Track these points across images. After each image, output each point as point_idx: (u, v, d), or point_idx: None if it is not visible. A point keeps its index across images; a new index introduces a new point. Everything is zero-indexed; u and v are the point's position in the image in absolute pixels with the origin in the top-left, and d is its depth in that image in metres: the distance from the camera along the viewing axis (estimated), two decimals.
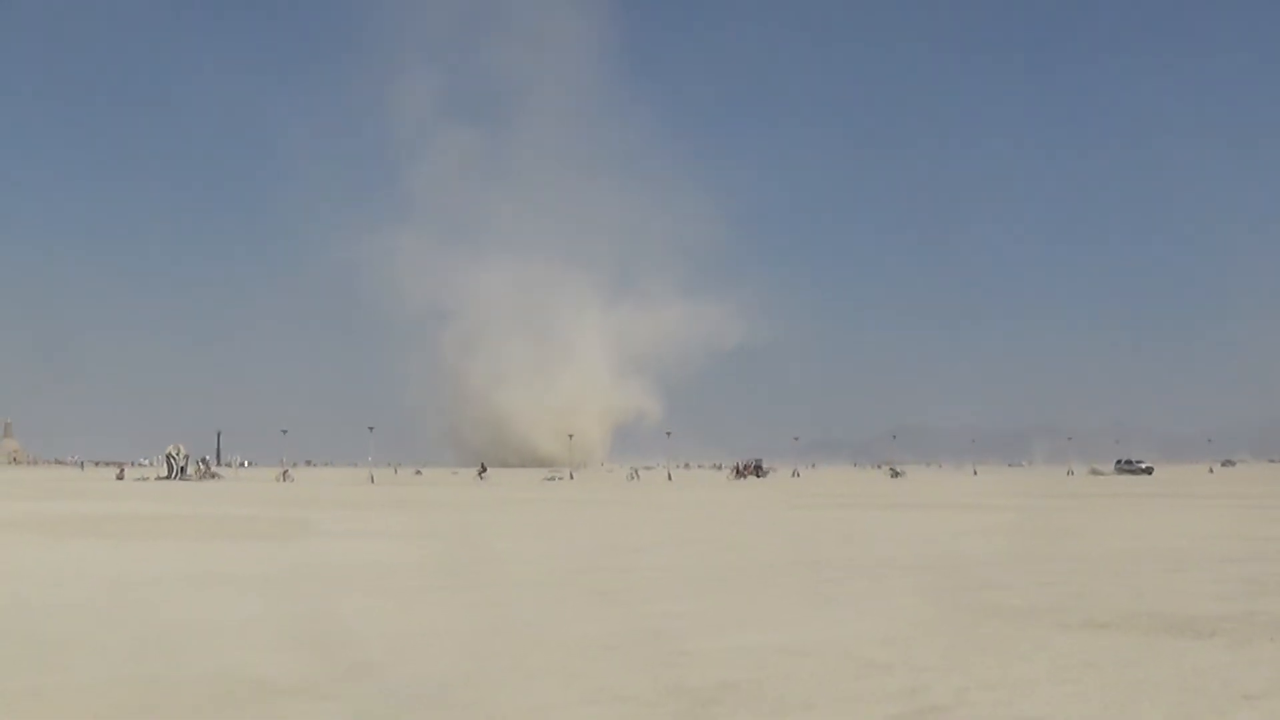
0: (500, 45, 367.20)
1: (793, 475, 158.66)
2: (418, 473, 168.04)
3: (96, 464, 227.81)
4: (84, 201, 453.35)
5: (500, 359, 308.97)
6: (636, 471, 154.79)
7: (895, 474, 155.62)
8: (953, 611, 19.84)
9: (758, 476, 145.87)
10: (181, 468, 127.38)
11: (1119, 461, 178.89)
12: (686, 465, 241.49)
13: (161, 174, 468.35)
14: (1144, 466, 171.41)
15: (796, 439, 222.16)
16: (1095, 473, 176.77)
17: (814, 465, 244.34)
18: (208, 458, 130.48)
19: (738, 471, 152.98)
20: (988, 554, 32.96)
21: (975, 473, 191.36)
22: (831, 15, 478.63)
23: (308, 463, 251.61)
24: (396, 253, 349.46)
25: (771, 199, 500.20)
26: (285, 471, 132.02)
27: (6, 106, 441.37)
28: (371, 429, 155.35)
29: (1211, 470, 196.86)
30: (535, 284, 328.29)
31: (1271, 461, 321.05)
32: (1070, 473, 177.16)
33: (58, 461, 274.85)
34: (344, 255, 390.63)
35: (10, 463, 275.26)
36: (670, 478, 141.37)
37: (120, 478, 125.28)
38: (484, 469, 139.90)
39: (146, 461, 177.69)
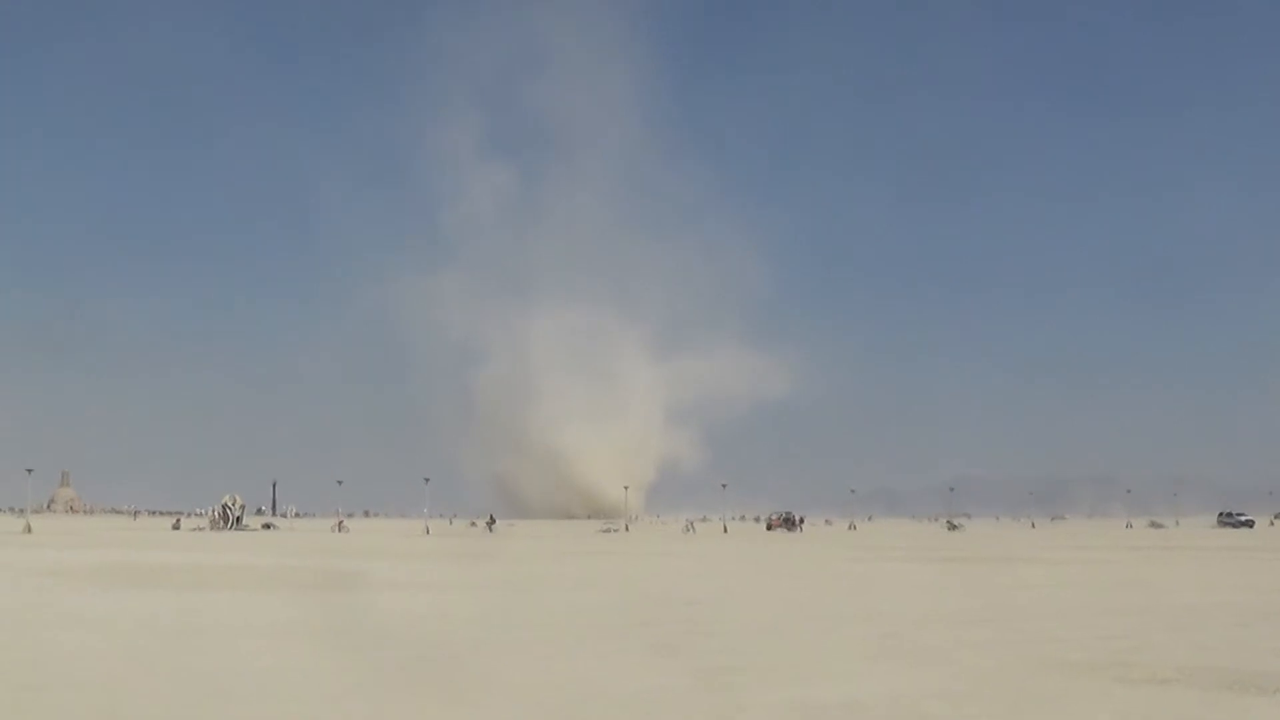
0: (543, 91, 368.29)
1: (849, 528, 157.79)
2: (473, 524, 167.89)
3: (151, 513, 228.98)
4: (136, 253, 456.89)
5: (546, 409, 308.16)
6: (692, 524, 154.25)
7: (953, 527, 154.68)
8: (1013, 665, 19.57)
9: (788, 530, 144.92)
10: (237, 518, 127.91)
11: (1221, 514, 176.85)
12: (743, 517, 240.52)
13: (208, 222, 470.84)
14: (1245, 519, 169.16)
15: (853, 491, 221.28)
16: (1155, 525, 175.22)
17: (870, 518, 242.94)
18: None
19: (770, 524, 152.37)
20: (1048, 607, 32.60)
21: (1033, 525, 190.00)
22: (883, 67, 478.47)
23: (365, 513, 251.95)
24: (441, 299, 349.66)
25: (822, 251, 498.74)
26: (340, 522, 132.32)
27: (62, 172, 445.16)
28: (427, 480, 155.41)
29: (1273, 523, 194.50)
30: (581, 333, 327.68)
31: None
32: (1129, 525, 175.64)
33: (114, 510, 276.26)
34: (391, 301, 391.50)
35: (67, 511, 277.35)
36: (726, 530, 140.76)
37: (176, 527, 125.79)
38: (493, 520, 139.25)
39: (202, 512, 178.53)
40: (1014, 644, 22.80)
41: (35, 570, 46.70)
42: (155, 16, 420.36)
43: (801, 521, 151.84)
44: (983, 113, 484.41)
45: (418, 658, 20.86)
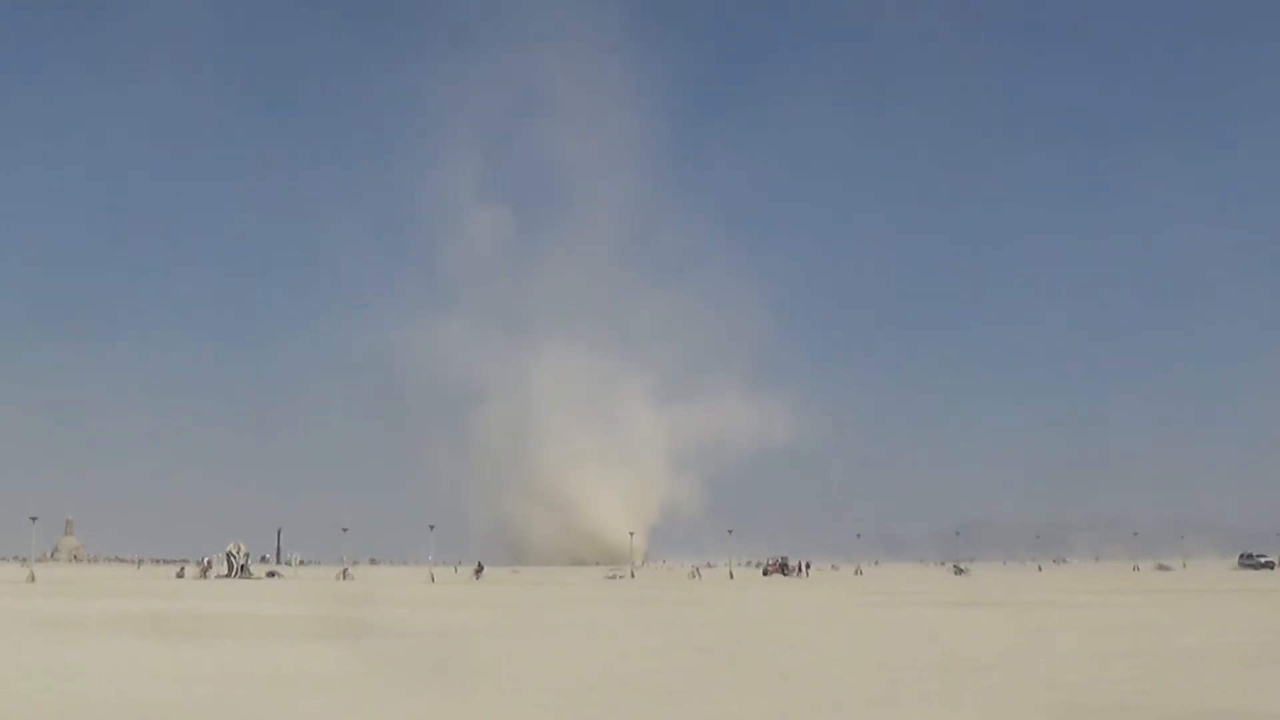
0: (543, 135, 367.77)
1: (856, 573, 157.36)
2: (478, 572, 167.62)
3: (155, 561, 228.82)
4: (134, 300, 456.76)
5: (549, 454, 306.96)
6: (698, 570, 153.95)
7: (959, 571, 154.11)
8: (1023, 710, 19.58)
9: (784, 574, 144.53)
10: (242, 565, 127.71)
11: (1242, 556, 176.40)
12: (748, 563, 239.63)
13: (207, 267, 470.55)
14: (1266, 561, 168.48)
15: (859, 536, 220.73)
16: (1163, 568, 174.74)
17: (876, 563, 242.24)
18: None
19: (765, 570, 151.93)
20: (1057, 650, 32.57)
21: (1040, 569, 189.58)
22: (884, 111, 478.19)
23: (371, 561, 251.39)
24: (442, 342, 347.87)
25: (824, 295, 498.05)
26: (345, 570, 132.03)
27: (66, 226, 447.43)
28: (432, 527, 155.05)
29: None
30: (583, 376, 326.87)
31: None
32: (1136, 568, 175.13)
33: (118, 559, 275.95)
34: (391, 345, 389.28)
35: (71, 560, 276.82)
36: (732, 575, 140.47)
37: (180, 575, 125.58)
38: (481, 568, 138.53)
39: (206, 559, 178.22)
40: (1023, 689, 22.80)
41: (40, 620, 46.65)
42: (152, 56, 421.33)
43: (808, 567, 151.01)
44: (985, 155, 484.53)
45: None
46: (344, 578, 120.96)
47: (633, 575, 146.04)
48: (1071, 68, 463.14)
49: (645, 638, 40.38)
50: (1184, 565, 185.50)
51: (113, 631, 40.42)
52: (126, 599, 67.25)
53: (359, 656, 31.57)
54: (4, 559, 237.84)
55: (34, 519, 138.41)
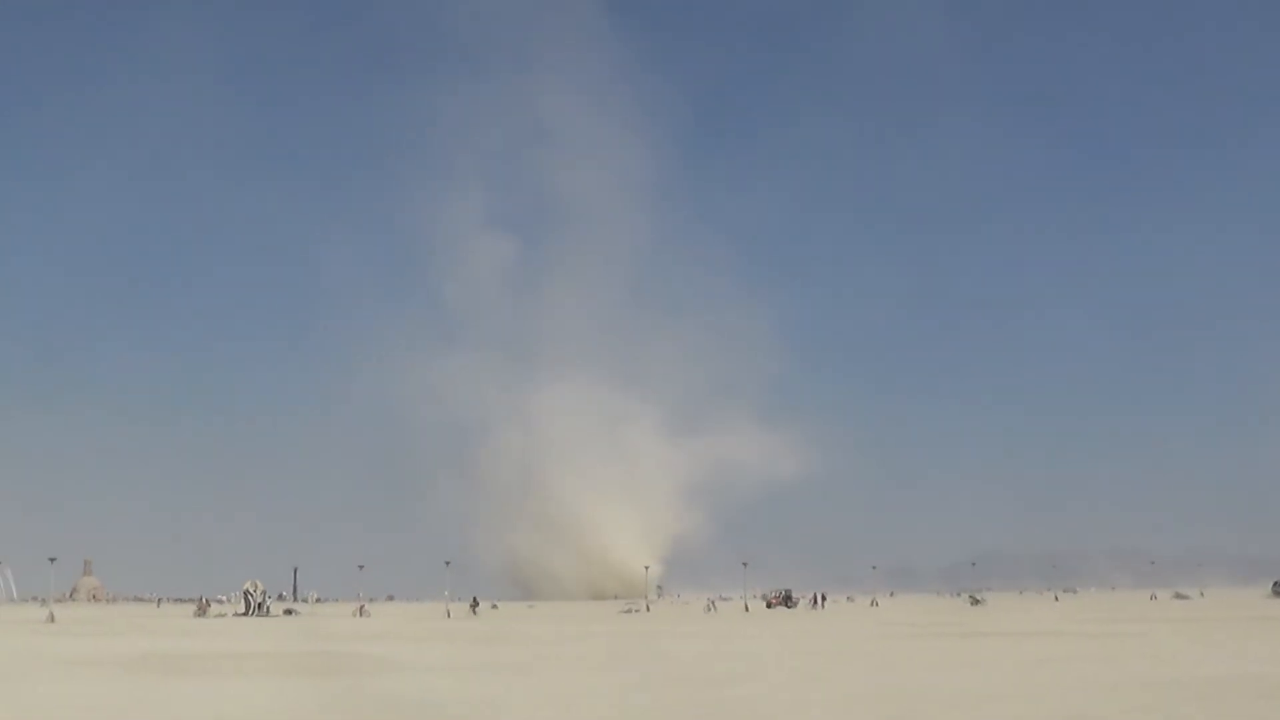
0: (550, 166, 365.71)
1: (871, 604, 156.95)
2: (494, 606, 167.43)
3: (174, 600, 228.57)
4: (139, 342, 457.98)
5: (559, 488, 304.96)
6: (713, 602, 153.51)
7: (975, 601, 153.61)
8: None
9: (787, 607, 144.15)
10: (259, 603, 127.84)
11: (1276, 584, 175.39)
12: (761, 596, 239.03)
13: (216, 305, 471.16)
14: None
15: (874, 567, 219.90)
16: (1180, 596, 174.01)
17: (892, 594, 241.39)
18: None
19: (769, 602, 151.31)
20: (1075, 680, 32.56)
21: (1056, 598, 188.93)
22: (893, 143, 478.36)
23: (389, 598, 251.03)
24: (449, 375, 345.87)
25: (834, 328, 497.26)
26: (362, 607, 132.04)
27: (77, 263, 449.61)
28: (448, 563, 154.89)
29: None
30: (591, 410, 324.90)
31: None
32: (1153, 597, 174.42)
33: (136, 598, 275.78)
34: (398, 380, 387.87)
35: (90, 600, 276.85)
36: (747, 609, 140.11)
37: (201, 614, 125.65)
38: (476, 603, 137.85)
39: (224, 598, 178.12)
40: (1041, 719, 22.82)
41: (60, 660, 46.75)
42: (154, 87, 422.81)
43: (824, 599, 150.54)
44: (1000, 187, 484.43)
45: None
46: (360, 614, 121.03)
47: (648, 609, 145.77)
48: (1087, 76, 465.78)
49: (659, 671, 40.42)
50: (1201, 594, 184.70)
51: (131, 670, 40.55)
52: (145, 638, 67.35)
53: (354, 695, 31.66)
54: (24, 600, 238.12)
55: (53, 560, 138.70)
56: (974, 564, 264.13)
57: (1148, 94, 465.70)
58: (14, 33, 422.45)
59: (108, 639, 67.09)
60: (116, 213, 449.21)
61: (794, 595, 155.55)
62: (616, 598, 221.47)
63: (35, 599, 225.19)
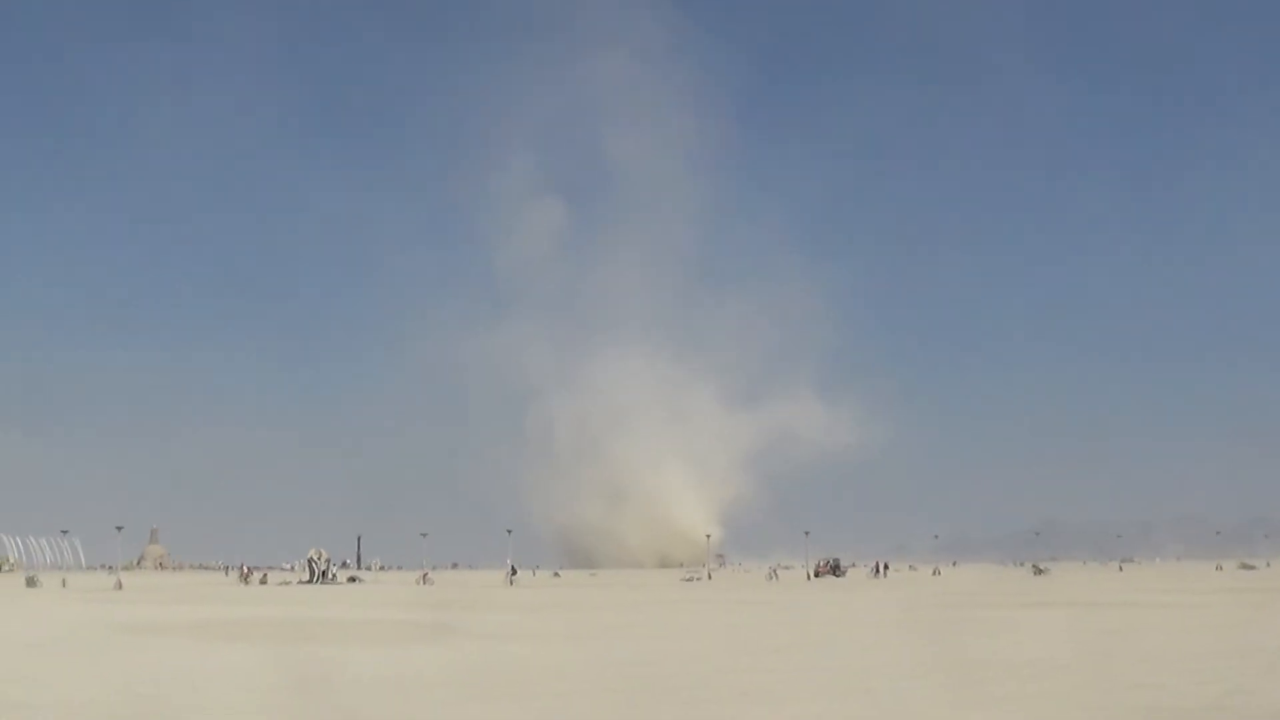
0: (607, 138, 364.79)
1: (934, 574, 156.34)
2: (556, 574, 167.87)
3: (240, 568, 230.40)
4: (203, 314, 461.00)
5: (617, 457, 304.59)
6: (775, 571, 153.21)
7: (1039, 571, 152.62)
8: (1105, 712, 19.53)
9: (835, 575, 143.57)
10: (323, 571, 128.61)
11: None
12: (826, 563, 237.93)
13: (272, 278, 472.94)
14: None
15: (936, 537, 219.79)
16: (1246, 567, 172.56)
17: (955, 563, 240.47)
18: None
19: (816, 571, 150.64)
20: (1140, 651, 32.36)
21: (1121, 568, 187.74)
22: (949, 114, 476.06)
23: (453, 566, 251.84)
24: (506, 344, 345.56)
25: (892, 297, 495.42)
26: (425, 574, 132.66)
27: (149, 231, 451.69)
28: (510, 531, 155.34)
29: None
30: (648, 379, 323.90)
31: None
32: (1219, 567, 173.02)
33: (202, 566, 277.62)
34: (456, 348, 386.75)
35: (157, 568, 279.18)
36: (809, 577, 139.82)
37: (263, 582, 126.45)
38: (514, 571, 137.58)
39: (289, 566, 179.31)
40: (1107, 690, 22.74)
41: (128, 627, 47.18)
42: (207, 55, 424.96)
43: (886, 568, 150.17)
44: (1056, 152, 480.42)
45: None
46: (424, 582, 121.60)
47: (709, 577, 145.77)
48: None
49: (723, 639, 40.46)
50: (1267, 565, 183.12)
51: (198, 637, 40.90)
52: (211, 605, 67.91)
53: (437, 660, 31.81)
54: (92, 568, 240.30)
55: (120, 528, 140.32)
56: (1037, 534, 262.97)
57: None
58: None
59: (175, 606, 67.66)
60: (177, 178, 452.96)
61: (842, 564, 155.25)
62: (683, 565, 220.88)
63: (103, 567, 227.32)
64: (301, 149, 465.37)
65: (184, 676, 27.46)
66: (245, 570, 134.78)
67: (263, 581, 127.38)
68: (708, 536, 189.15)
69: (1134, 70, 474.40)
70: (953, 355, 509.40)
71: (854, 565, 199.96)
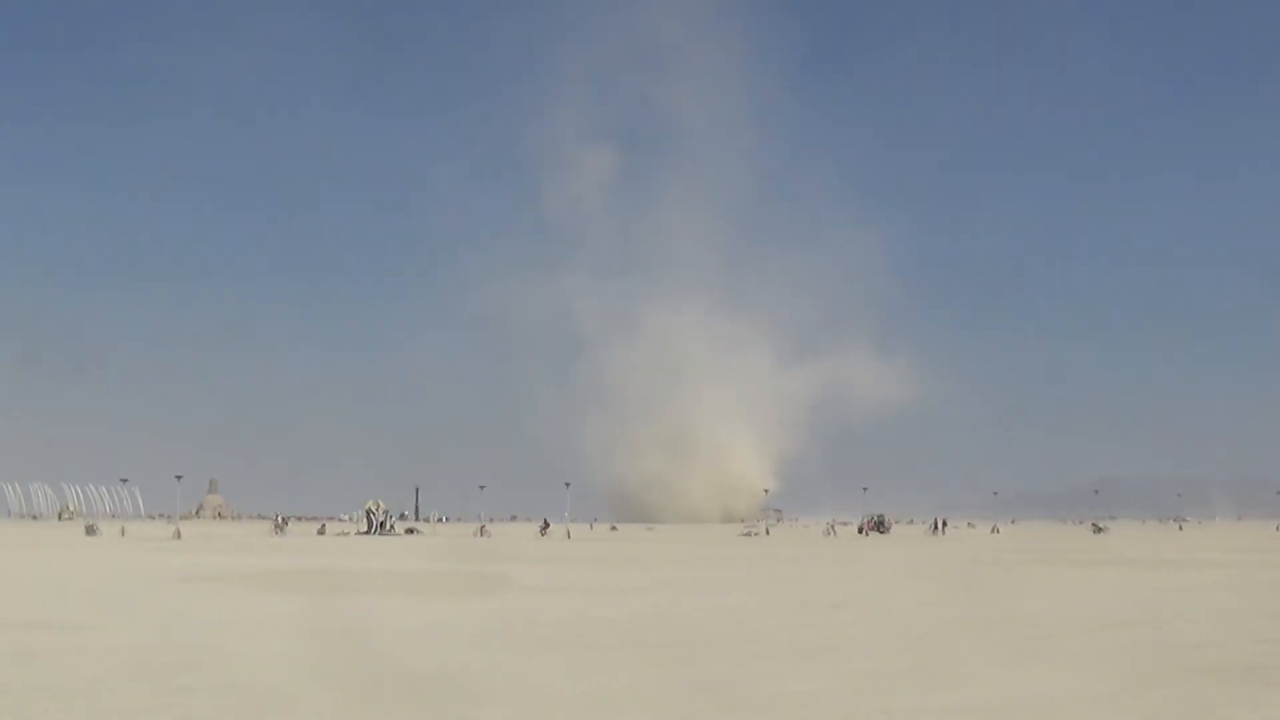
0: (662, 85, 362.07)
1: (992, 531, 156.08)
2: (613, 528, 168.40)
3: (298, 519, 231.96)
4: (256, 262, 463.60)
5: (673, 409, 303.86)
6: (833, 526, 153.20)
7: (1098, 529, 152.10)
8: (1162, 669, 19.37)
9: (880, 532, 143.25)
10: (381, 522, 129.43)
11: None
12: (871, 520, 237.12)
13: (331, 228, 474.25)
14: None
15: (996, 494, 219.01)
16: None
17: (1013, 521, 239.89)
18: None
19: (861, 528, 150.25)
20: (1198, 610, 32.13)
21: (1180, 527, 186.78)
22: (1013, 66, 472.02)
23: (512, 518, 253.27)
24: (561, 295, 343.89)
25: (951, 252, 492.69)
26: (483, 527, 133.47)
27: (192, 197, 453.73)
28: (568, 485, 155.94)
29: None
30: (706, 333, 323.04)
31: None
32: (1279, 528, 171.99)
33: (260, 516, 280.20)
34: (512, 299, 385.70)
35: (215, 518, 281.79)
36: (865, 533, 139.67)
37: (321, 532, 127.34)
38: (546, 525, 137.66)
39: (346, 517, 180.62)
40: (1163, 648, 22.56)
41: (186, 576, 47.55)
42: (258, 13, 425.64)
43: (945, 525, 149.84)
44: (1112, 112, 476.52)
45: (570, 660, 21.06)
46: (481, 534, 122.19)
47: (767, 532, 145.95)
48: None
49: (778, 594, 40.41)
50: None
51: (254, 586, 41.19)
52: (269, 555, 68.40)
53: (488, 611, 31.90)
54: (151, 516, 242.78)
55: (179, 478, 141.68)
56: (1096, 491, 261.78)
57: None
58: None
59: (231, 556, 68.25)
60: (239, 139, 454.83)
61: (886, 520, 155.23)
62: (743, 520, 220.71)
63: (161, 516, 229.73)
64: (354, 97, 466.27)
65: (232, 625, 27.62)
66: (280, 520, 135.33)
67: (320, 532, 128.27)
68: (765, 491, 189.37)
69: (1191, 17, 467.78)
70: (1009, 310, 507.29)
71: (911, 521, 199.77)
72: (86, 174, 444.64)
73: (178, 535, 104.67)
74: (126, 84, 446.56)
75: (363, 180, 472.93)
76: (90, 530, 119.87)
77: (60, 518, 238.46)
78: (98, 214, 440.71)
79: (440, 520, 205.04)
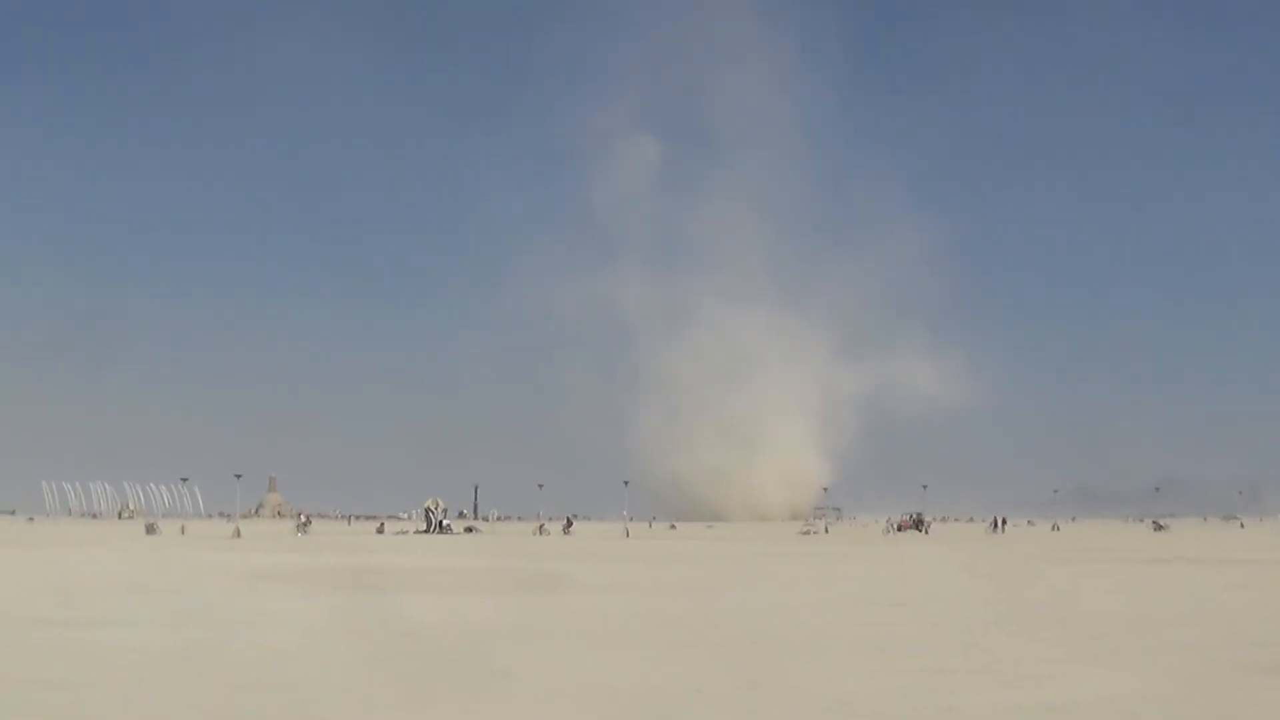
0: (716, 82, 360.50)
1: (1053, 529, 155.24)
2: (672, 527, 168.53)
3: (356, 517, 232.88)
4: (309, 262, 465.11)
5: (728, 406, 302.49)
6: (892, 524, 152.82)
7: (1159, 527, 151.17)
8: (1224, 668, 19.26)
9: (918, 530, 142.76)
10: (440, 521, 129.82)
11: None
12: (943, 519, 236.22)
13: (375, 226, 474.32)
14: None
15: (1055, 492, 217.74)
16: None
17: (1074, 519, 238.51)
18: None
19: (900, 526, 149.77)
20: (1261, 609, 31.92)
21: (1242, 525, 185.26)
22: (1059, 67, 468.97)
23: (575, 516, 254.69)
24: (609, 291, 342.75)
25: (1006, 251, 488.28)
26: (542, 525, 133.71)
27: (244, 200, 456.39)
28: (626, 483, 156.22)
29: None
30: (755, 327, 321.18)
31: None
32: None
33: (320, 515, 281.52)
34: (558, 292, 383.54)
35: (275, 516, 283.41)
36: (927, 531, 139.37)
37: (380, 531, 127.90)
38: (570, 523, 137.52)
39: (405, 515, 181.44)
40: (1225, 647, 22.42)
41: (246, 574, 47.87)
42: (306, 13, 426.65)
43: (1004, 523, 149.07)
44: (1173, 94, 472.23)
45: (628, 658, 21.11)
46: (540, 533, 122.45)
47: (826, 530, 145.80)
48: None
49: (836, 592, 40.40)
50: None
51: (314, 585, 41.43)
52: (328, 554, 68.73)
53: (545, 609, 32.01)
54: (210, 515, 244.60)
55: (239, 476, 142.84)
56: (1157, 489, 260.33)
57: None
58: None
59: (290, 554, 68.55)
60: (278, 133, 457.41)
61: (925, 519, 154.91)
62: (807, 519, 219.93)
63: (220, 514, 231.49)
64: (399, 81, 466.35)
65: (290, 623, 27.84)
66: (303, 519, 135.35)
67: (379, 530, 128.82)
68: (824, 489, 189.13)
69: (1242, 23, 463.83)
70: (1067, 305, 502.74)
71: (970, 519, 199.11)
72: (138, 179, 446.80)
73: (237, 533, 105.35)
74: (174, 88, 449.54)
75: (413, 183, 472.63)
76: (150, 529, 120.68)
77: (120, 516, 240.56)
78: (157, 214, 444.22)
79: (499, 518, 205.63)
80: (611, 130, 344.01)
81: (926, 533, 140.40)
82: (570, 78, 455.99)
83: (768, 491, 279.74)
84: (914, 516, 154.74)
